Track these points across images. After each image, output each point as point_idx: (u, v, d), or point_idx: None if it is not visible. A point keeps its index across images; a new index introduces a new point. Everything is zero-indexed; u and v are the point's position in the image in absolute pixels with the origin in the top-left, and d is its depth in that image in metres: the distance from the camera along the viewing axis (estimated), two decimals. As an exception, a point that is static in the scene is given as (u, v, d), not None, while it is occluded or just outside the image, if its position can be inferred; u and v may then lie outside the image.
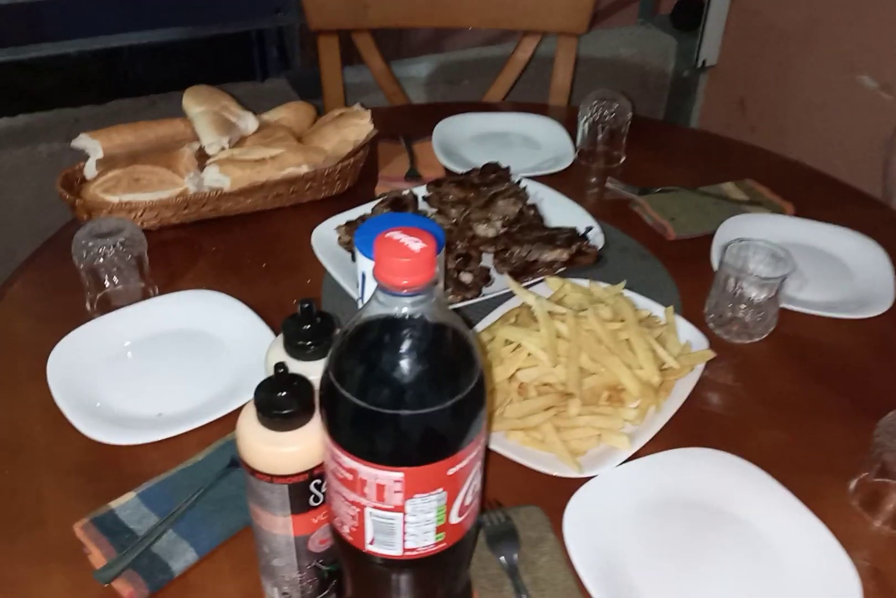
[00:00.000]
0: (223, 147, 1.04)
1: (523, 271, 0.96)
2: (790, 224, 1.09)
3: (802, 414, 0.83)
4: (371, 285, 0.63)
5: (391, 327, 0.41)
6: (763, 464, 0.74)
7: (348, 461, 0.43)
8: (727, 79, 2.37)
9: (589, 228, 1.02)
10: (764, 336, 0.91)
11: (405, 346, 0.40)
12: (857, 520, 0.72)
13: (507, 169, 1.13)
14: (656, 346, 0.81)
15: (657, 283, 0.99)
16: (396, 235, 0.41)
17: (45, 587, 0.65)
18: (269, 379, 0.49)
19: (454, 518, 0.46)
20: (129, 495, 0.71)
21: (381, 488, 0.43)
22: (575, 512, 0.68)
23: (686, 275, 1.01)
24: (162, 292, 0.96)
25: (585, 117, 1.22)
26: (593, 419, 0.74)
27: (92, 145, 1.05)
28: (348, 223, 1.03)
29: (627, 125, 1.23)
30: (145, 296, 0.94)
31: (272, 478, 0.50)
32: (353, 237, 0.60)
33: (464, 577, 0.57)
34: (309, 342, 0.53)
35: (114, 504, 0.70)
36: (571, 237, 0.98)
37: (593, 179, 1.22)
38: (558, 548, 0.66)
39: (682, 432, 0.79)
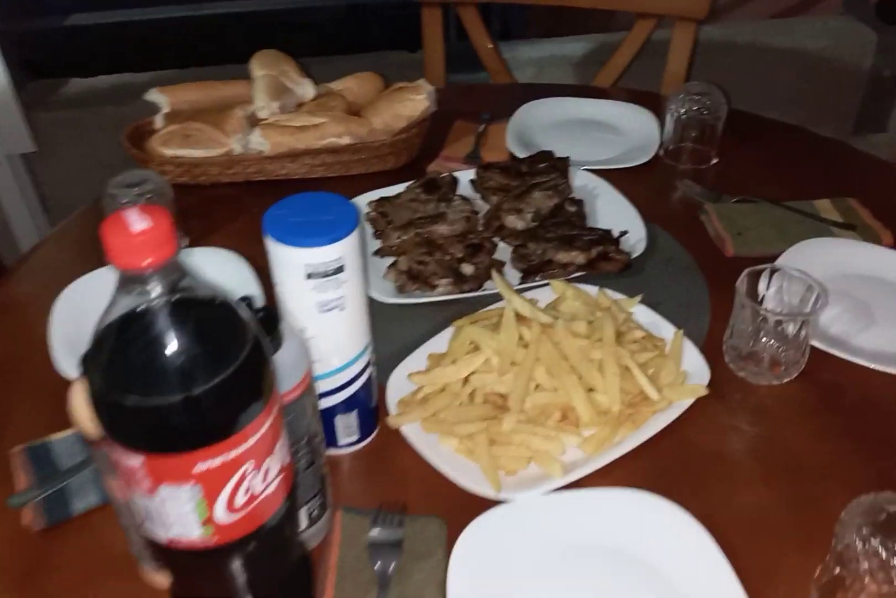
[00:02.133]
0: (273, 111, 1.04)
1: (537, 270, 0.88)
2: (876, 255, 0.92)
3: (803, 477, 0.70)
4: (276, 271, 0.60)
5: (129, 309, 0.38)
6: (728, 525, 0.64)
7: (107, 439, 0.42)
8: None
9: (623, 233, 0.92)
10: (787, 380, 0.78)
11: (137, 329, 0.38)
12: (809, 611, 0.60)
13: (564, 159, 1.05)
14: (636, 371, 0.72)
15: (691, 303, 0.88)
16: (126, 213, 0.38)
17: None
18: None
19: (222, 516, 0.43)
20: (69, 431, 0.73)
21: (130, 470, 0.41)
22: (473, 533, 0.62)
23: (730, 300, 0.89)
24: (191, 245, 0.98)
25: (671, 112, 1.11)
26: (529, 439, 0.67)
27: (161, 99, 1.09)
28: (381, 199, 1.01)
29: (721, 123, 1.10)
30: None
31: (93, 443, 0.50)
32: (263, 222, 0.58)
33: (283, 573, 0.54)
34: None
35: (53, 437, 0.73)
36: (597, 240, 0.89)
37: (671, 181, 1.11)
38: (440, 568, 0.61)
39: (646, 471, 0.70)
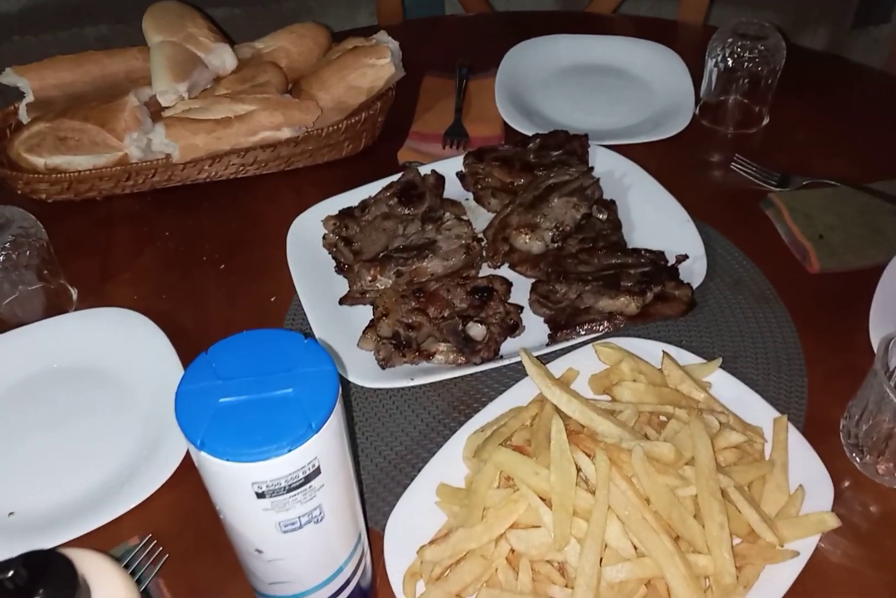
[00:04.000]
0: (181, 96, 0.75)
1: (568, 321, 0.64)
2: None
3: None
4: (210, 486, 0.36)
5: None
6: None
7: None
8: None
9: (682, 258, 0.68)
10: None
11: None
12: None
13: (584, 141, 0.78)
14: (745, 507, 0.50)
15: (777, 352, 0.65)
16: None
17: None
18: None
19: None
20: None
21: None
22: None
23: (828, 341, 0.66)
24: (81, 299, 0.72)
25: (716, 59, 0.83)
26: (609, 644, 0.46)
27: (21, 83, 0.79)
28: (343, 214, 0.74)
29: (777, 75, 0.84)
30: (53, 308, 0.70)
31: None
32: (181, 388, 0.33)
33: None
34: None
35: None
36: (650, 275, 0.65)
37: (717, 154, 0.85)
38: None
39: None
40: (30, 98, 0.79)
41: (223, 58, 0.78)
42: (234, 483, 0.34)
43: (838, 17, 2.02)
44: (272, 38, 0.83)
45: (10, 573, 0.30)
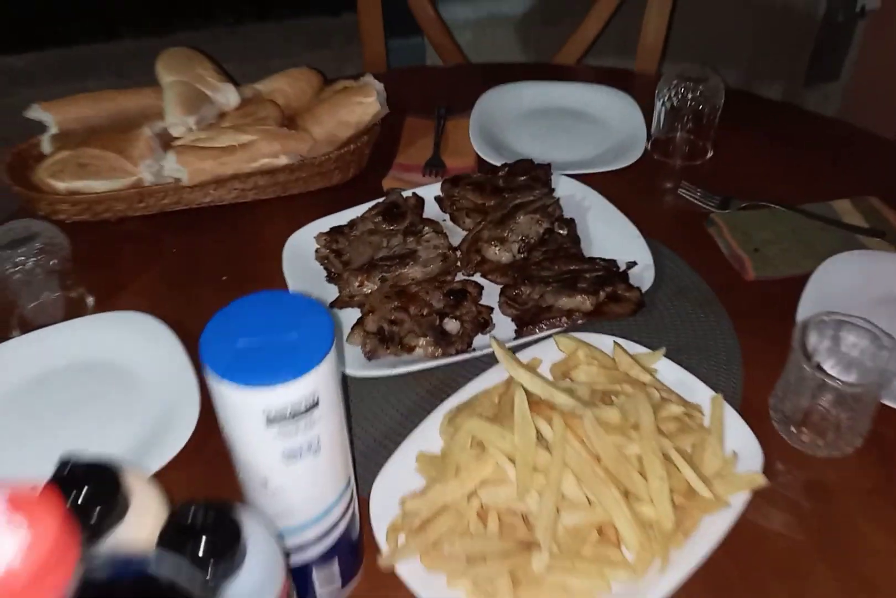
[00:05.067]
0: (190, 128, 0.85)
1: (532, 319, 0.73)
2: (921, 271, 0.80)
3: (885, 577, 0.58)
4: (223, 414, 0.44)
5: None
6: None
7: None
8: (890, 28, 1.97)
9: (631, 265, 0.77)
10: (852, 451, 0.65)
11: None
12: None
13: (547, 168, 0.88)
14: (683, 466, 0.58)
15: (717, 346, 0.74)
16: None
17: None
18: None
19: None
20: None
21: None
22: None
23: (761, 336, 0.75)
24: (97, 307, 0.80)
25: (663, 100, 0.95)
26: (565, 578, 0.53)
27: (45, 118, 0.88)
28: (333, 231, 0.83)
29: (718, 112, 0.95)
30: (73, 312, 0.78)
31: None
32: (201, 342, 0.41)
33: None
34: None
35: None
36: (603, 278, 0.74)
37: (666, 182, 0.96)
38: None
39: (700, 584, 0.56)
40: (53, 130, 0.88)
41: (227, 96, 0.88)
42: (247, 411, 0.42)
43: (791, 75, 2.18)
44: (270, 81, 0.94)
45: (66, 471, 0.37)
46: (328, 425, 0.45)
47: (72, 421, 0.68)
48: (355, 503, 0.54)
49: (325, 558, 0.52)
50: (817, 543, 0.60)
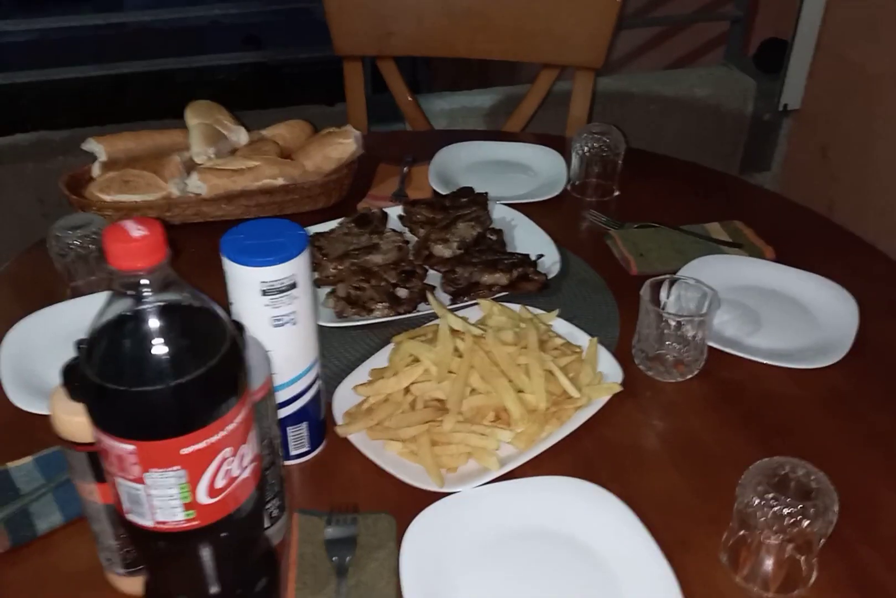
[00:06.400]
0: (209, 157, 1.11)
1: (465, 292, 0.97)
2: (760, 268, 1.05)
3: (708, 461, 0.80)
4: (232, 288, 0.67)
5: (123, 308, 0.44)
6: (645, 505, 0.71)
7: (97, 432, 0.47)
8: (810, 124, 2.29)
9: (539, 256, 1.02)
10: (690, 377, 0.88)
11: (130, 326, 0.43)
12: (721, 574, 0.68)
13: (483, 194, 1.15)
14: (558, 373, 0.80)
15: (602, 316, 0.98)
16: (125, 223, 0.44)
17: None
18: (76, 356, 0.53)
19: (203, 498, 0.48)
20: (28, 459, 0.76)
21: (120, 459, 0.46)
22: (420, 523, 0.68)
23: (635, 311, 0.99)
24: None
25: (576, 150, 1.22)
26: (467, 437, 0.74)
27: (97, 149, 1.15)
28: (316, 234, 1.08)
29: (620, 159, 1.22)
30: (113, 287, 1.01)
31: (74, 445, 0.54)
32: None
33: (251, 561, 0.59)
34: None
35: (11, 464, 0.75)
36: (517, 263, 0.99)
37: (578, 212, 1.22)
38: (393, 556, 0.66)
39: (571, 462, 0.78)
40: (103, 158, 1.15)
41: (239, 135, 1.15)
42: (249, 284, 0.65)
43: (726, 167, 2.49)
44: (272, 128, 1.21)
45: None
46: (302, 304, 0.68)
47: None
48: (320, 382, 0.75)
49: (296, 418, 0.73)
50: (663, 440, 0.82)
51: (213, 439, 0.47)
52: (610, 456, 0.80)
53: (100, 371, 0.44)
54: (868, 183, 2.10)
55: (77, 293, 0.99)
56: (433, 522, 0.69)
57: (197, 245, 1.13)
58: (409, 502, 0.72)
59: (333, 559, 0.66)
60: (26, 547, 0.70)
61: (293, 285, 0.66)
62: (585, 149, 1.21)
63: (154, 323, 0.44)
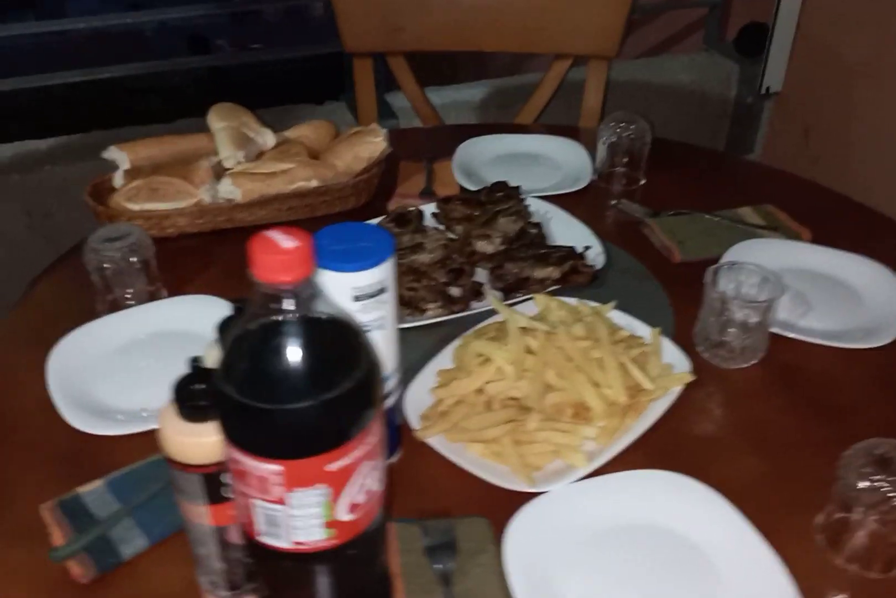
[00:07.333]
0: (239, 161, 1.09)
1: (516, 288, 0.96)
2: (801, 250, 1.05)
3: (782, 445, 0.80)
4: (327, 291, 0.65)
5: (267, 322, 0.42)
6: (730, 493, 0.71)
7: (234, 453, 0.45)
8: (792, 107, 2.32)
9: (587, 248, 1.01)
10: (754, 362, 0.88)
11: (277, 341, 0.42)
12: (818, 556, 0.68)
13: (517, 188, 1.14)
14: (630, 366, 0.80)
15: (654, 305, 0.98)
16: (272, 234, 0.43)
17: (5, 563, 0.69)
18: (186, 373, 0.52)
19: (343, 515, 0.47)
20: (97, 482, 0.74)
21: (262, 480, 0.45)
22: (519, 525, 0.68)
23: (687, 299, 0.98)
24: (170, 296, 1.00)
25: (603, 140, 1.22)
26: (552, 435, 0.74)
27: (120, 157, 1.11)
28: (353, 236, 1.06)
29: (647, 148, 1.22)
30: (153, 299, 0.98)
31: (185, 467, 0.52)
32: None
33: (375, 578, 0.58)
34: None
35: (81, 489, 0.73)
36: (566, 256, 0.98)
37: (609, 201, 1.22)
38: (495, 559, 0.66)
39: (651, 454, 0.77)
40: (125, 166, 1.11)
41: (266, 138, 1.13)
42: (343, 290, 0.63)
43: (712, 145, 2.50)
44: (296, 129, 1.19)
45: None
46: (390, 309, 0.66)
47: (159, 375, 0.88)
48: (400, 390, 0.74)
49: (381, 424, 0.72)
50: (735, 426, 0.82)
51: (358, 453, 0.45)
52: (686, 446, 0.80)
53: (243, 389, 0.43)
54: (849, 163, 2.13)
55: (115, 307, 0.97)
56: (531, 523, 0.68)
57: (229, 253, 1.11)
58: (498, 503, 0.71)
59: (436, 566, 0.65)
60: (113, 574, 0.68)
61: (383, 290, 0.64)
62: (613, 138, 1.21)
63: (300, 337, 0.42)
